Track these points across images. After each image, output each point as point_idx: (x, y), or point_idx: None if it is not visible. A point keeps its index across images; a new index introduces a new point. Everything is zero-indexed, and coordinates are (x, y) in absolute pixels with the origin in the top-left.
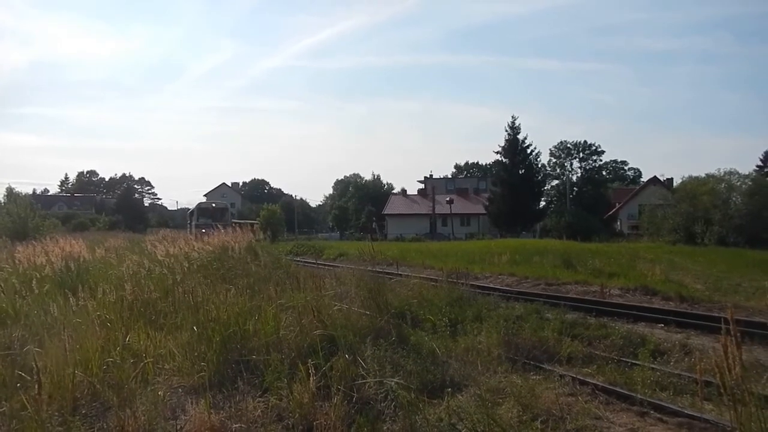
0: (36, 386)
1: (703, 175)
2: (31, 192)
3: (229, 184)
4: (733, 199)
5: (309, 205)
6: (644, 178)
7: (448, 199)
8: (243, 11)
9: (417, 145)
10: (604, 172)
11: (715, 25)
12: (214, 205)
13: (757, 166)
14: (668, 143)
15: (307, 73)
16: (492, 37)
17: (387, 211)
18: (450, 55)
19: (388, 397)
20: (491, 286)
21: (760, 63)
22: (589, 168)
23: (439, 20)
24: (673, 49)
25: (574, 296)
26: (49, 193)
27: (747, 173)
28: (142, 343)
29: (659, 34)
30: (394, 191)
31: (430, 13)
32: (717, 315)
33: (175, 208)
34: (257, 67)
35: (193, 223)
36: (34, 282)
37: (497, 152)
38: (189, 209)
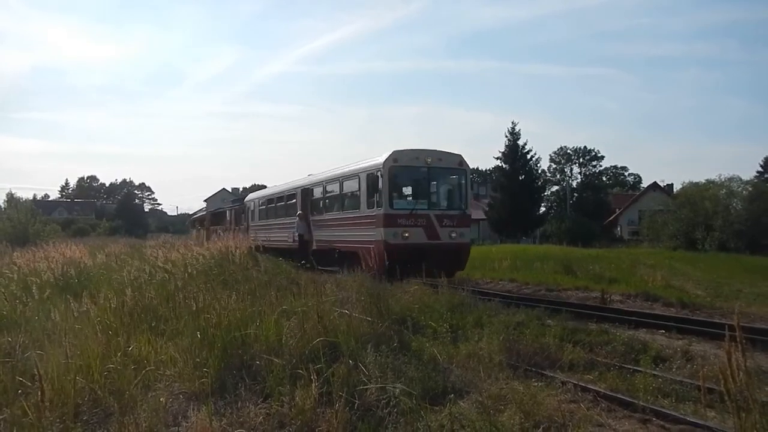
0: (37, 392)
1: (704, 181)
2: (31, 197)
3: (230, 189)
4: (734, 204)
5: None
6: (644, 184)
7: None
8: (245, 17)
9: None
10: (604, 178)
11: (720, 31)
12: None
13: (758, 172)
14: (669, 149)
15: (308, 78)
16: (493, 42)
17: None
18: (451, 60)
19: (390, 403)
20: (492, 291)
21: (763, 69)
22: (589, 173)
23: (441, 26)
24: (677, 54)
25: (575, 302)
26: (49, 199)
27: (748, 179)
28: (143, 348)
29: (663, 39)
30: None
31: (431, 18)
32: (719, 321)
33: (175, 214)
34: (259, 72)
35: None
36: (34, 288)
37: (497, 158)
38: (189, 214)
